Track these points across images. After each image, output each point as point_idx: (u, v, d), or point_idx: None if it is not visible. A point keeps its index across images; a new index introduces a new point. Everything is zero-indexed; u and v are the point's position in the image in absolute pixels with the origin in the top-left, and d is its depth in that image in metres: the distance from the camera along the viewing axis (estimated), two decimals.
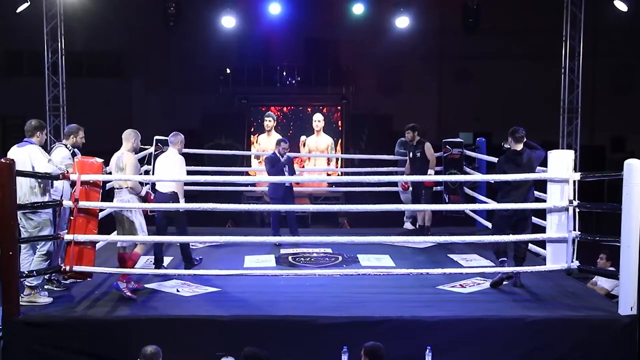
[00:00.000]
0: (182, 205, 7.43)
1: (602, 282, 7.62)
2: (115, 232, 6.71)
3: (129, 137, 6.64)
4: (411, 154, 9.08)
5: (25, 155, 6.15)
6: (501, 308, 6.07)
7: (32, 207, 6.05)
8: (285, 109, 16.04)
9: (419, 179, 9.02)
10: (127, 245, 6.52)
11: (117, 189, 6.51)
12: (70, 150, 6.69)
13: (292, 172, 8.82)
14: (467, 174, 9.45)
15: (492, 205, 8.17)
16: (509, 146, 6.79)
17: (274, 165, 8.66)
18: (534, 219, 7.33)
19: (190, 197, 8.58)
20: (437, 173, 9.37)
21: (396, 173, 9.82)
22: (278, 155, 8.73)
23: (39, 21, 11.92)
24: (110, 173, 6.62)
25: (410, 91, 19.11)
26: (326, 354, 5.48)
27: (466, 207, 9.07)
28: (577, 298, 6.39)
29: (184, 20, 13.53)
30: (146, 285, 6.67)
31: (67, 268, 5.99)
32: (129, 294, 6.24)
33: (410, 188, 9.25)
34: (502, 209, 6.68)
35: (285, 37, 17.07)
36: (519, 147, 6.68)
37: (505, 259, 6.66)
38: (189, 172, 8.32)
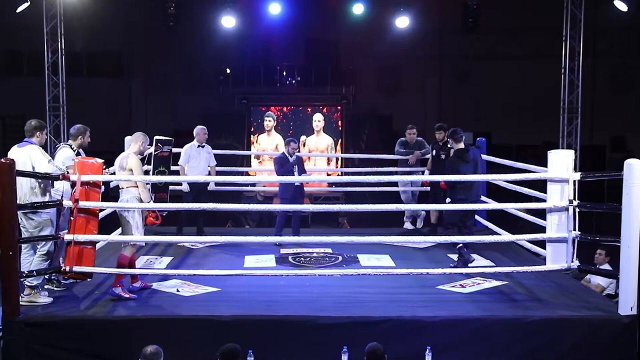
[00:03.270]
0: (182, 205, 7.48)
1: (597, 279, 7.64)
2: (115, 231, 6.70)
3: (138, 139, 6.59)
4: (434, 152, 9.13)
5: (26, 155, 6.15)
6: (501, 308, 6.08)
7: (32, 207, 6.05)
8: (285, 109, 16.03)
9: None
10: (123, 247, 6.49)
11: (121, 188, 6.50)
12: (75, 151, 6.70)
13: (302, 172, 8.82)
14: None
15: (492, 205, 8.18)
16: (451, 147, 7.55)
17: (283, 165, 8.67)
18: (534, 219, 7.37)
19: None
20: None
21: (396, 173, 9.82)
22: (287, 155, 8.74)
23: (39, 21, 11.92)
24: (114, 173, 6.62)
25: (410, 91, 19.09)
26: (326, 354, 5.48)
27: (466, 207, 9.04)
28: (577, 298, 6.39)
29: (184, 20, 13.55)
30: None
31: (67, 268, 5.99)
32: (127, 295, 6.24)
33: (415, 188, 9.32)
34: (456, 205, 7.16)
35: (285, 37, 17.05)
36: (461, 145, 7.39)
37: (462, 245, 7.21)
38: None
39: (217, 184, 9.05)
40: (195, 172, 8.85)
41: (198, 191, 8.74)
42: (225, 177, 9.43)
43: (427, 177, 8.84)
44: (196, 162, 8.93)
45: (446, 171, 7.51)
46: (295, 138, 9.38)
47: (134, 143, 6.61)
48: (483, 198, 9.50)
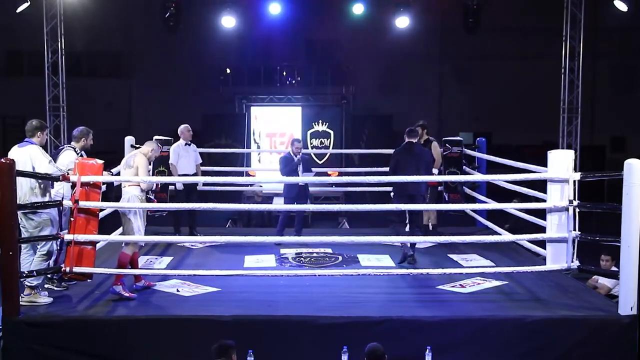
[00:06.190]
0: (183, 205, 7.49)
1: (604, 280, 7.59)
2: (115, 231, 6.70)
3: (150, 145, 6.73)
4: None
5: (26, 155, 6.14)
6: (501, 308, 6.07)
7: (32, 207, 6.05)
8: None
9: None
10: (124, 245, 6.49)
11: (123, 186, 6.52)
12: (78, 154, 6.70)
13: (306, 172, 8.87)
14: (467, 173, 9.46)
15: (492, 205, 8.17)
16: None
17: (287, 164, 8.71)
18: (534, 219, 7.36)
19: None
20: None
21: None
22: (292, 154, 8.77)
23: (39, 21, 11.94)
24: (118, 173, 6.63)
25: (410, 91, 19.12)
26: (326, 354, 5.48)
27: (466, 207, 9.06)
28: (577, 298, 6.39)
29: (184, 20, 13.54)
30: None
31: (68, 269, 5.98)
32: (127, 294, 6.24)
33: None
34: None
35: (285, 37, 17.08)
36: (414, 140, 7.73)
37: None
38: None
39: (205, 183, 9.15)
40: (186, 170, 9.06)
41: (189, 190, 8.91)
42: (226, 177, 9.40)
43: (427, 177, 8.81)
44: (185, 161, 9.10)
45: (390, 165, 7.75)
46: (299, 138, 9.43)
47: (146, 146, 6.72)
48: (482, 198, 9.52)
